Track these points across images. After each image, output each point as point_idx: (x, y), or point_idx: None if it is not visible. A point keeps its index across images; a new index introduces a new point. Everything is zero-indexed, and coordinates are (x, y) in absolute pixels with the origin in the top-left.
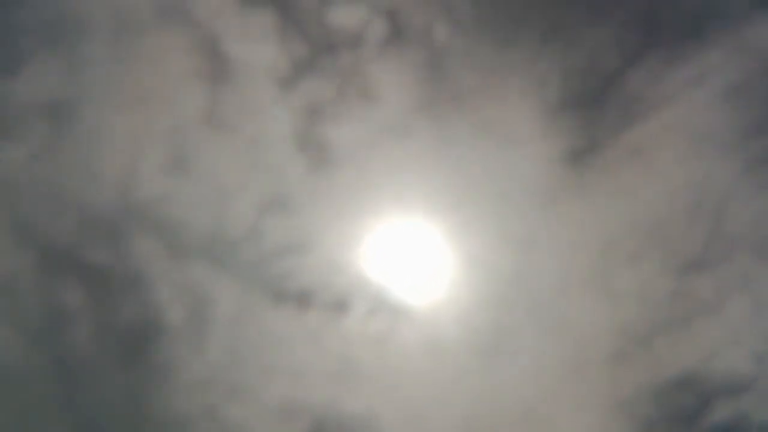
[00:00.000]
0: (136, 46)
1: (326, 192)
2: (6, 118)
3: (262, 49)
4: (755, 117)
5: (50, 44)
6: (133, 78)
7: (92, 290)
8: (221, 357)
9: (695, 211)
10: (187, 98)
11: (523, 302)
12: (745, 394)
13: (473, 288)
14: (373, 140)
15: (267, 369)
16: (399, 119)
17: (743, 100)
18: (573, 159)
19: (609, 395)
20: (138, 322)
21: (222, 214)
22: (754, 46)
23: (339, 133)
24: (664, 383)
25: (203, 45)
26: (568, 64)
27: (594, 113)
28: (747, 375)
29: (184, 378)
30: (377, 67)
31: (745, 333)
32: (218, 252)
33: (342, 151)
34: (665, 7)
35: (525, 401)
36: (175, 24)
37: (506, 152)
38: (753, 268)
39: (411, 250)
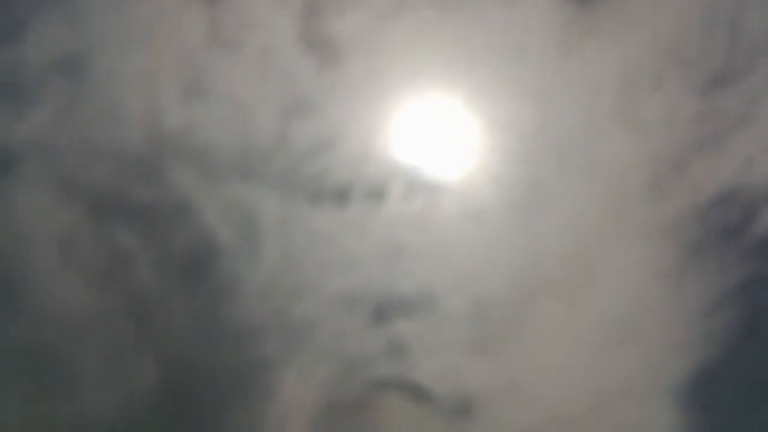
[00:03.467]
0: None
1: (341, 85)
2: (23, 82)
3: None
4: None
5: (48, 2)
6: (134, 17)
7: (143, 227)
8: (276, 264)
9: (711, 27)
10: (189, 25)
11: (553, 152)
12: None
13: (503, 149)
14: (376, 24)
15: (320, 266)
16: None
17: None
18: None
19: (652, 224)
20: (192, 248)
21: (246, 128)
22: None
23: (341, 25)
24: (705, 203)
25: None
26: None
27: None
28: None
29: (246, 289)
30: None
31: None
32: (251, 166)
33: (348, 42)
34: None
35: (570, 246)
36: None
37: (512, 6)
38: None
39: (436, 125)
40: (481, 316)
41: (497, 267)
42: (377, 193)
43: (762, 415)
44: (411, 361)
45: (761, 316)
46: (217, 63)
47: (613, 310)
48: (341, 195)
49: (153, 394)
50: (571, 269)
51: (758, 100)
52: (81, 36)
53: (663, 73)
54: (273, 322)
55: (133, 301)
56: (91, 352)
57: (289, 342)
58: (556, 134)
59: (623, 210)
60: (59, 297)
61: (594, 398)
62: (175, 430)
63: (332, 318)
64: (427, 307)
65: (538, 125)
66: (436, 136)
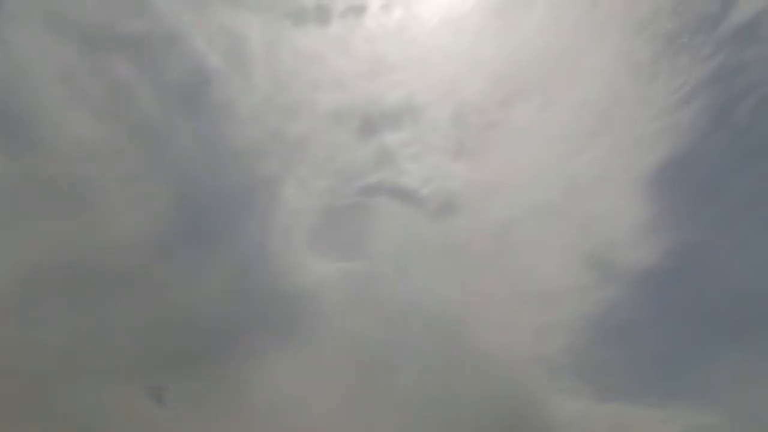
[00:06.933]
0: None
1: None
2: None
3: None
4: None
5: None
6: None
7: (137, 58)
8: (266, 85)
9: None
10: None
11: None
12: None
13: None
14: None
15: (309, 85)
16: None
17: None
18: None
19: (628, 19)
20: (186, 75)
21: None
22: None
23: None
24: None
25: None
26: None
27: None
28: None
29: (241, 111)
30: None
31: None
32: None
33: None
34: None
35: (548, 47)
36: None
37: None
38: None
39: None
40: (463, 123)
41: (477, 74)
42: (357, 8)
43: (722, 204)
44: (398, 168)
45: (730, 108)
46: None
47: (589, 106)
48: (322, 13)
49: (168, 212)
50: (548, 70)
51: None
52: None
53: None
54: (270, 140)
55: (138, 128)
56: (105, 178)
57: (286, 158)
58: None
59: (600, 6)
60: (67, 129)
61: (567, 189)
62: (192, 244)
63: (324, 133)
64: (412, 117)
65: None
66: None
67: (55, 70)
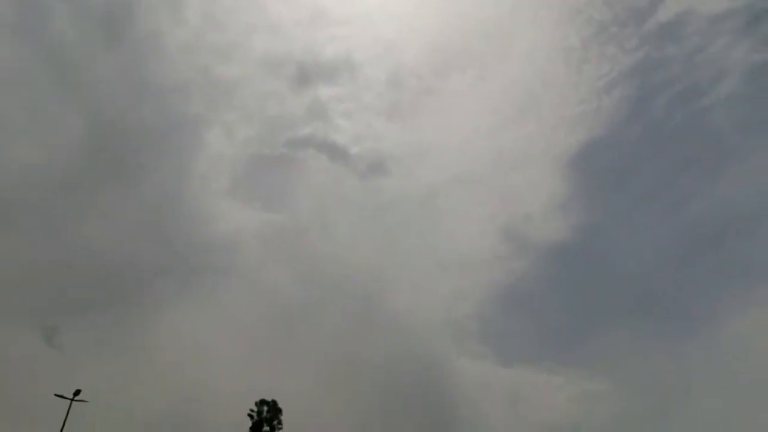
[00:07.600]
0: None
1: None
2: None
3: None
4: None
5: None
6: None
7: None
8: (200, 22)
9: None
10: None
11: None
12: None
13: None
14: None
15: (245, 28)
16: None
17: None
18: None
19: (563, 3)
20: (111, 0)
21: None
22: None
23: None
24: None
25: None
26: None
27: None
28: None
29: (170, 46)
30: None
31: None
32: None
33: None
34: None
35: (487, 20)
36: None
37: None
38: None
39: None
40: (399, 85)
41: (416, 38)
42: None
43: (630, 190)
44: (330, 123)
45: (648, 99)
46: None
47: (519, 84)
48: None
49: (79, 145)
50: (485, 45)
51: None
52: None
53: None
54: (197, 80)
55: (50, 52)
56: (11, 102)
57: (213, 100)
58: None
59: None
60: None
61: (492, 161)
62: (102, 181)
63: (256, 79)
64: (348, 73)
65: None
66: None
67: None
